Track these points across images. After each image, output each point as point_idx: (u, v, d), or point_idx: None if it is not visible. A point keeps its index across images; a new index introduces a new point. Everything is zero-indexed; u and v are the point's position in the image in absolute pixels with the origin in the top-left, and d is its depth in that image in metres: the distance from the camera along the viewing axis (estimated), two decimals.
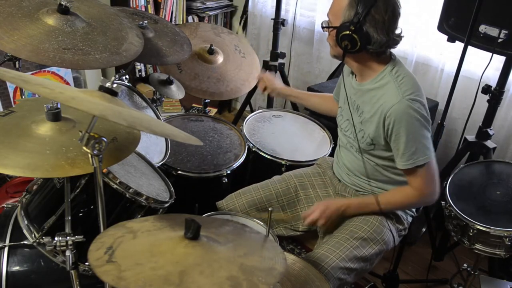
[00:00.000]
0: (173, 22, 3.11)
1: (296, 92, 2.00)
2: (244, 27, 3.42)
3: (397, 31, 1.43)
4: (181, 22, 3.17)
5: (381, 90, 1.46)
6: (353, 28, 1.37)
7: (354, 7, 1.37)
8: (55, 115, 1.13)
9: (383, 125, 1.44)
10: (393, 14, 1.39)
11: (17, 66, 1.64)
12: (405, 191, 1.52)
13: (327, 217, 1.53)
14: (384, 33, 1.39)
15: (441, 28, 1.91)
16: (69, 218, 1.20)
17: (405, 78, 1.44)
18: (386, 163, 1.55)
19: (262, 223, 1.56)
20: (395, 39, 1.43)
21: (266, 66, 2.77)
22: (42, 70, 2.77)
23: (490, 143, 2.04)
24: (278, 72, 2.79)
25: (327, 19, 1.50)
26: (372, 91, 1.49)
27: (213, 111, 3.49)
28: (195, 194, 1.91)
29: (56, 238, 1.17)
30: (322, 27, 1.51)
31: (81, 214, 1.27)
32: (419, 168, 1.44)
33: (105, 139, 0.99)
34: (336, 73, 2.87)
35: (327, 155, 1.99)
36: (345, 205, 1.55)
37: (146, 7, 3.00)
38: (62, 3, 1.35)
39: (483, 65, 1.76)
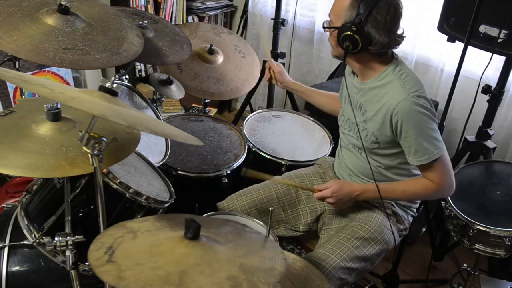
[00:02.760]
0: (173, 22, 3.11)
1: (303, 88, 1.96)
2: (244, 27, 3.42)
3: (399, 32, 1.43)
4: (181, 22, 3.17)
5: (384, 88, 1.46)
6: (354, 28, 1.36)
7: (355, 8, 1.36)
8: (55, 115, 1.13)
9: (390, 123, 1.43)
10: (395, 14, 1.38)
11: (17, 66, 1.64)
12: (424, 183, 1.49)
13: (337, 198, 1.51)
14: (386, 34, 1.38)
15: (441, 28, 1.91)
16: (69, 218, 1.20)
17: (409, 76, 1.44)
18: (389, 162, 1.55)
19: (262, 223, 1.56)
20: (397, 40, 1.43)
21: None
22: (42, 70, 2.77)
23: (490, 143, 2.04)
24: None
25: (328, 19, 1.50)
26: (375, 90, 1.48)
27: (213, 111, 3.50)
28: (195, 194, 1.90)
29: (56, 238, 1.16)
30: (324, 27, 1.50)
31: (81, 214, 1.27)
32: (434, 163, 1.43)
33: (105, 139, 0.99)
34: (336, 73, 2.86)
35: (327, 155, 1.99)
36: (360, 190, 1.53)
37: (146, 7, 3.00)
38: (62, 3, 1.35)
39: (483, 65, 1.76)
